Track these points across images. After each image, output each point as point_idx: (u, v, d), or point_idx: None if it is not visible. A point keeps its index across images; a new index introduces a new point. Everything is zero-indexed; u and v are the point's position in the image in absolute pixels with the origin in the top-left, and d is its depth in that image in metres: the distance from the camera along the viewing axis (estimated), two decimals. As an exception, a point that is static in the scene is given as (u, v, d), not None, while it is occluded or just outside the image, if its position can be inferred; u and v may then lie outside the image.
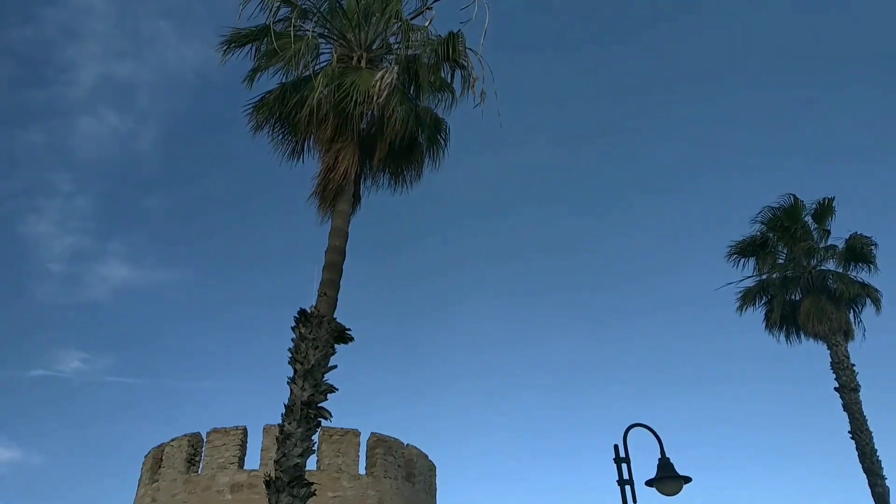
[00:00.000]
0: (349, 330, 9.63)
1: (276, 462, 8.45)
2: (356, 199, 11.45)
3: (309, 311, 9.41)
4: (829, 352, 16.02)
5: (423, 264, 69.62)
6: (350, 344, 9.77)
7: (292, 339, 9.40)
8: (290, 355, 9.25)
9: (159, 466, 18.27)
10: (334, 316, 9.65)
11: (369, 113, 10.87)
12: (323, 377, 9.11)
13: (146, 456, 19.22)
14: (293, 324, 9.48)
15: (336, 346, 9.48)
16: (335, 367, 9.38)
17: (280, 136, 11.69)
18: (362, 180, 11.77)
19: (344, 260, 10.38)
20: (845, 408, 15.39)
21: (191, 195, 71.09)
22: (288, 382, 9.09)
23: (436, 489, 21.26)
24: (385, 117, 10.61)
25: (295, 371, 9.10)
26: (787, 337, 17.61)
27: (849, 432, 15.16)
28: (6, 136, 62.59)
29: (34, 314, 61.61)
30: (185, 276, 67.87)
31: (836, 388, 15.70)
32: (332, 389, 9.08)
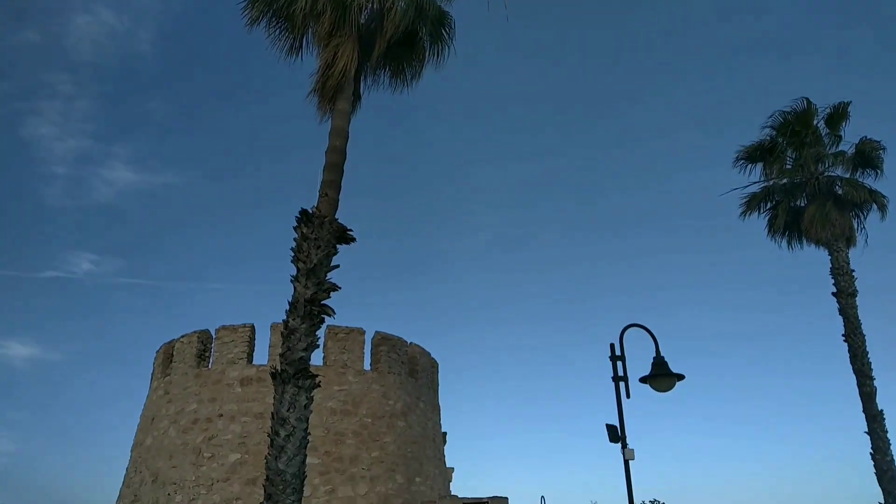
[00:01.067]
0: (350, 230, 9.68)
1: (281, 356, 8.73)
2: (356, 97, 11.19)
3: (311, 212, 9.43)
4: (829, 258, 16.09)
5: (427, 169, 69.13)
6: (352, 245, 9.85)
7: (295, 239, 9.48)
8: (293, 255, 9.35)
9: (171, 362, 18.96)
10: (336, 216, 9.68)
11: (368, 5, 10.43)
12: (325, 276, 9.25)
13: (158, 352, 19.92)
14: (296, 224, 9.53)
15: (338, 246, 9.56)
16: (337, 266, 9.50)
17: (277, 32, 11.24)
18: (363, 78, 11.46)
19: (345, 160, 10.28)
20: (841, 312, 15.62)
21: (192, 97, 69.78)
22: (291, 281, 9.24)
23: (438, 385, 22.09)
24: (385, 9, 10.18)
25: (298, 270, 9.23)
26: (790, 243, 17.63)
27: (843, 336, 15.47)
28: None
29: (42, 217, 62.09)
30: (191, 179, 67.75)
31: (833, 294, 15.88)
32: (334, 288, 9.24)
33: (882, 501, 13.28)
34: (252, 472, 15.80)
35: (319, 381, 8.98)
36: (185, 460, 16.78)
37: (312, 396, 8.74)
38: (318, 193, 9.85)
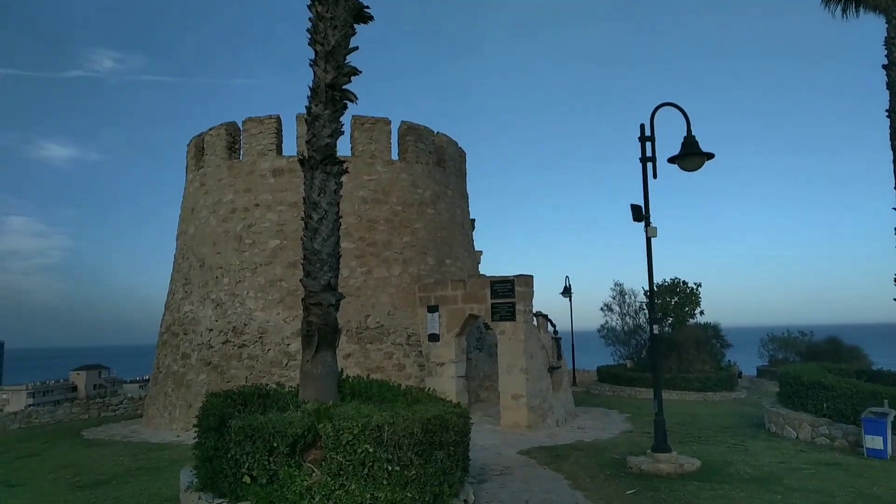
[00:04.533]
0: (368, 8, 9.12)
1: (307, 143, 8.76)
2: None
3: (324, -12, 8.82)
4: (886, 25, 14.87)
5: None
6: (375, 30, 9.36)
7: (310, 19, 9.01)
8: (310, 36, 8.95)
9: (202, 154, 19.28)
10: (351, -7, 9.06)
11: None
12: (344, 59, 8.91)
13: (189, 145, 20.20)
14: (309, 2, 9.00)
15: (356, 26, 9.09)
16: (356, 48, 9.10)
17: None
18: None
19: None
20: (889, 86, 14.81)
21: None
22: (310, 65, 8.95)
23: (465, 173, 22.31)
24: None
25: (316, 53, 8.88)
26: (845, 10, 16.25)
27: (886, 111, 14.83)
28: None
29: (59, 14, 59.66)
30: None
31: (884, 66, 14.93)
32: (355, 72, 8.95)
33: (898, 275, 13.65)
34: (291, 256, 16.74)
35: (347, 168, 9.09)
36: (228, 247, 17.79)
37: (342, 182, 8.90)
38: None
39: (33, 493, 9.88)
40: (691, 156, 10.94)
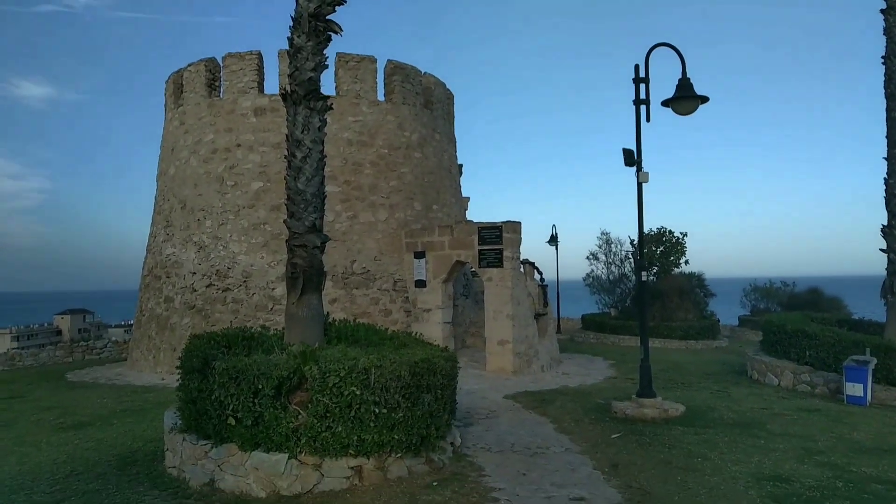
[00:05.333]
0: (354, -67, 8.60)
1: (289, 76, 8.37)
2: None
3: (307, -89, 8.28)
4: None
5: None
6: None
7: (292, -55, 8.50)
8: (292, -37, 8.45)
9: (181, 92, 18.63)
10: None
11: None
12: (330, -12, 8.45)
13: (167, 81, 19.49)
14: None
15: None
16: (342, -23, 8.63)
17: None
18: None
19: None
20: (886, 31, 14.50)
21: None
22: (294, -5, 8.48)
23: (454, 117, 21.84)
24: None
25: (299, -19, 8.40)
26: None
27: (882, 57, 14.55)
28: None
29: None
30: None
31: (882, 10, 14.58)
32: (339, 1, 8.50)
33: (886, 223, 13.66)
34: (275, 199, 16.38)
35: (332, 104, 8.73)
36: (210, 188, 17.38)
37: (326, 119, 8.55)
38: None
39: (17, 433, 9.79)
40: (685, 99, 10.68)
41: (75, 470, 7.48)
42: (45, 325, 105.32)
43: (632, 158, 10.77)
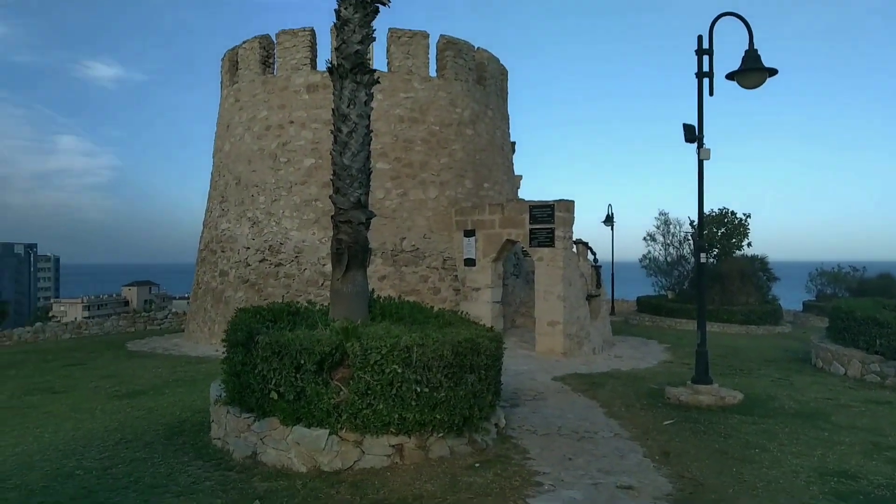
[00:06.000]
0: None
1: (336, 50, 8.23)
2: None
3: None
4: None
5: None
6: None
7: (340, -86, 8.30)
8: (340, -68, 8.25)
9: (236, 69, 18.81)
10: None
11: None
12: (378, -43, 8.24)
13: (223, 59, 19.71)
14: None
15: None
16: (390, -55, 8.40)
17: None
18: None
19: None
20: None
21: None
22: (341, -35, 8.30)
23: (507, 93, 21.40)
24: None
25: (347, -50, 8.22)
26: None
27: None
28: None
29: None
30: None
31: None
32: (388, -29, 8.28)
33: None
34: (326, 175, 16.29)
35: (378, 78, 8.55)
36: (263, 165, 17.55)
37: (372, 94, 8.39)
38: None
39: (74, 400, 10.14)
40: (752, 71, 10.05)
41: (125, 437, 7.66)
42: (114, 295, 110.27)
43: (693, 134, 10.24)
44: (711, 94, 10.33)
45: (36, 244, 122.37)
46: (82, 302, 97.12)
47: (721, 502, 5.73)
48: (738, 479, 6.34)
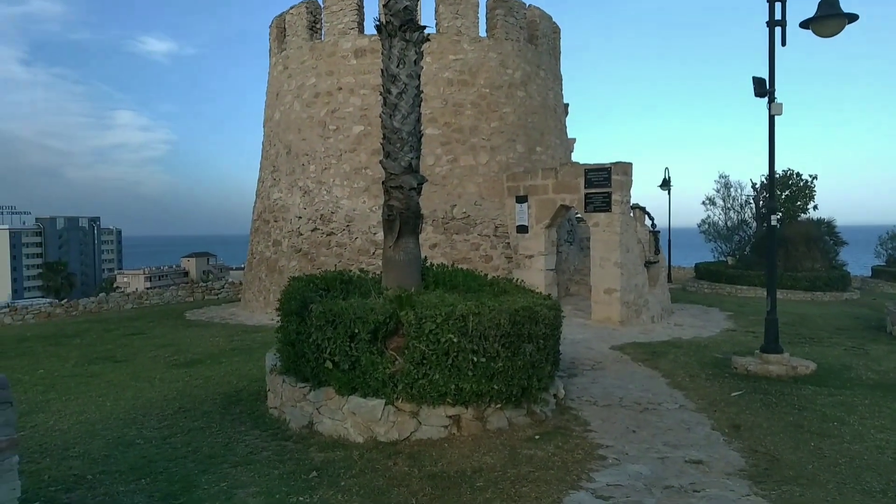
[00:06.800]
0: None
1: (384, 7, 7.90)
2: None
3: None
4: None
5: None
6: None
7: None
8: None
9: (284, 36, 18.65)
10: None
11: None
12: None
13: (271, 26, 19.57)
14: None
15: None
16: None
17: None
18: None
19: None
20: None
21: None
22: (388, -82, 7.92)
23: (560, 53, 20.66)
24: None
25: None
26: None
27: None
28: None
29: None
30: None
31: None
32: (437, -78, 7.87)
33: None
34: (376, 143, 16.17)
35: (428, 36, 8.20)
36: (313, 133, 17.45)
37: (422, 52, 8.05)
38: None
39: (134, 369, 10.33)
40: (829, 17, 9.26)
41: (183, 406, 7.72)
42: (174, 266, 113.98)
43: (763, 88, 9.56)
44: (784, 44, 9.61)
45: (99, 218, 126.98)
46: (144, 273, 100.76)
47: (800, 479, 5.36)
48: (818, 455, 5.94)
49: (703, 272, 26.04)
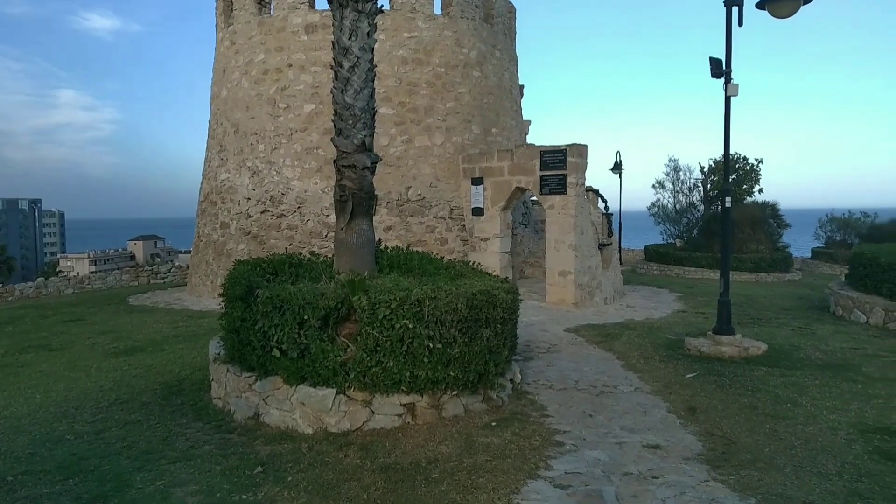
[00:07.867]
0: None
1: (334, -20, 7.49)
2: None
3: None
4: None
5: None
6: None
7: None
8: None
9: (231, 10, 17.87)
10: None
11: None
12: None
13: (217, 0, 18.74)
14: None
15: None
16: None
17: None
18: None
19: None
20: None
21: None
22: None
23: (515, 33, 20.43)
24: None
25: None
26: None
27: None
28: None
29: None
30: None
31: None
32: None
33: None
34: (328, 122, 15.67)
35: (382, 7, 7.84)
36: (262, 111, 16.82)
37: (376, 24, 7.69)
38: None
39: (70, 358, 9.77)
40: (785, -1, 9.27)
41: (120, 398, 7.28)
42: (120, 250, 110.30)
43: (720, 68, 9.53)
44: (741, 24, 9.59)
45: (40, 199, 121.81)
46: (89, 257, 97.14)
47: (757, 463, 5.33)
48: (774, 437, 5.94)
49: (653, 254, 26.38)
